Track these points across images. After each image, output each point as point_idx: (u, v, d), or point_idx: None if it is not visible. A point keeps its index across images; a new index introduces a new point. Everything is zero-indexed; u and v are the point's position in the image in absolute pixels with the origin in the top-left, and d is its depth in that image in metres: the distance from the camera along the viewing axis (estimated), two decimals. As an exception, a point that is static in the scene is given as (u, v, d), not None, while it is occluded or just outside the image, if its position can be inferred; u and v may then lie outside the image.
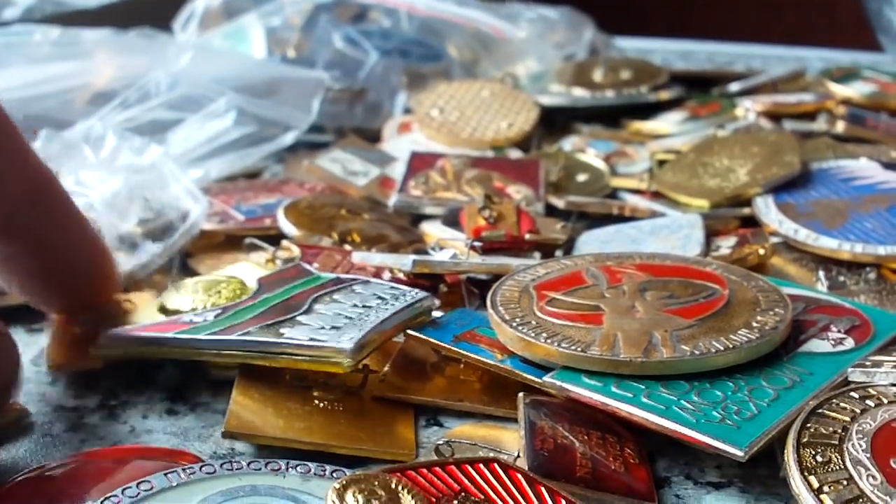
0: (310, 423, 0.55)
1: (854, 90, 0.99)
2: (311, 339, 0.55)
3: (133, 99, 0.87)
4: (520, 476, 0.46)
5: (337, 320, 0.57)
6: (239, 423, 0.54)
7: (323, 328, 0.56)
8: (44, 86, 0.90)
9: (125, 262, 0.70)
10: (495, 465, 0.46)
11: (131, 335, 0.60)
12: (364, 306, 0.58)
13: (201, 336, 0.57)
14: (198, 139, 0.86)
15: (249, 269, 0.68)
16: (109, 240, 0.70)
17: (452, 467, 0.45)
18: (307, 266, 0.66)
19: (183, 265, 0.73)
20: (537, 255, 0.70)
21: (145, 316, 0.64)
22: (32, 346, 0.66)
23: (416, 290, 0.60)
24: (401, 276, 0.67)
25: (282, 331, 0.56)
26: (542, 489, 0.46)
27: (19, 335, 0.67)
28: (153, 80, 0.89)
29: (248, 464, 0.48)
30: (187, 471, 0.47)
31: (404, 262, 0.66)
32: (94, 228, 0.62)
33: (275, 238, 0.74)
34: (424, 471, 0.45)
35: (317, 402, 0.57)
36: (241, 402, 0.56)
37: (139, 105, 0.87)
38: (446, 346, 0.58)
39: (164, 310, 0.63)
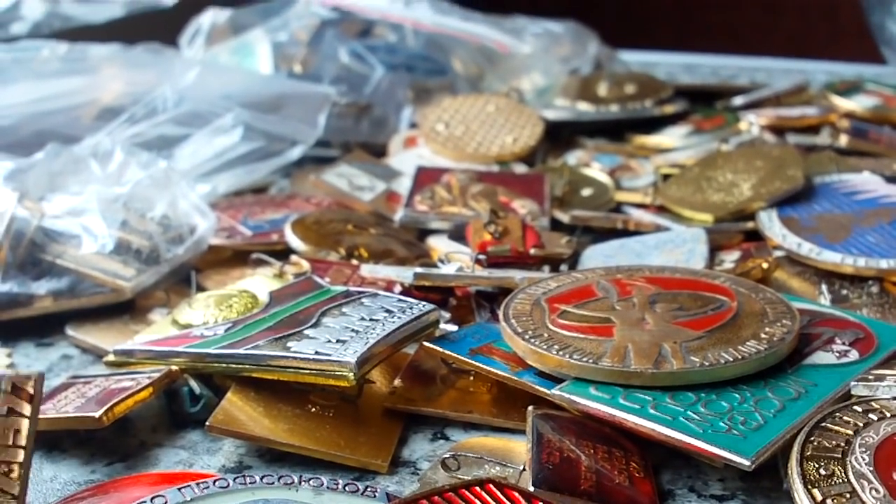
0: (295, 425, 0.56)
1: (857, 103, 1.00)
2: (317, 353, 0.55)
3: (140, 115, 0.87)
4: (517, 494, 0.46)
5: (343, 334, 0.57)
6: (224, 420, 0.55)
7: (329, 342, 0.56)
8: (51, 101, 0.90)
9: (132, 274, 0.71)
10: (491, 485, 0.46)
11: (143, 348, 0.60)
12: (371, 319, 0.59)
13: (210, 350, 0.58)
14: (205, 154, 0.86)
15: (261, 282, 0.68)
16: (116, 252, 0.71)
17: (450, 494, 0.45)
18: (318, 279, 0.66)
19: (187, 279, 0.74)
20: (546, 269, 0.71)
21: (159, 329, 0.65)
22: (42, 360, 0.66)
23: (424, 303, 0.61)
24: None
25: (289, 344, 0.57)
26: None
27: (28, 349, 0.68)
28: (160, 96, 0.89)
29: (262, 478, 0.49)
30: (201, 485, 0.48)
31: (406, 274, 0.67)
32: None
33: (282, 253, 0.74)
34: (424, 501, 0.45)
35: (310, 406, 0.58)
36: (234, 400, 0.57)
37: (146, 121, 0.87)
38: (460, 357, 0.59)
39: (176, 324, 0.64)
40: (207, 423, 0.54)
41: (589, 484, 0.50)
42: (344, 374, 0.55)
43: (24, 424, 0.48)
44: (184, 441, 0.58)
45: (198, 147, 0.86)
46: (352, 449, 0.55)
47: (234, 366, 0.57)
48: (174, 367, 0.59)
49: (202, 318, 0.64)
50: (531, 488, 0.48)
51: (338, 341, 0.56)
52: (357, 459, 0.55)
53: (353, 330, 0.58)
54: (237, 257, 0.76)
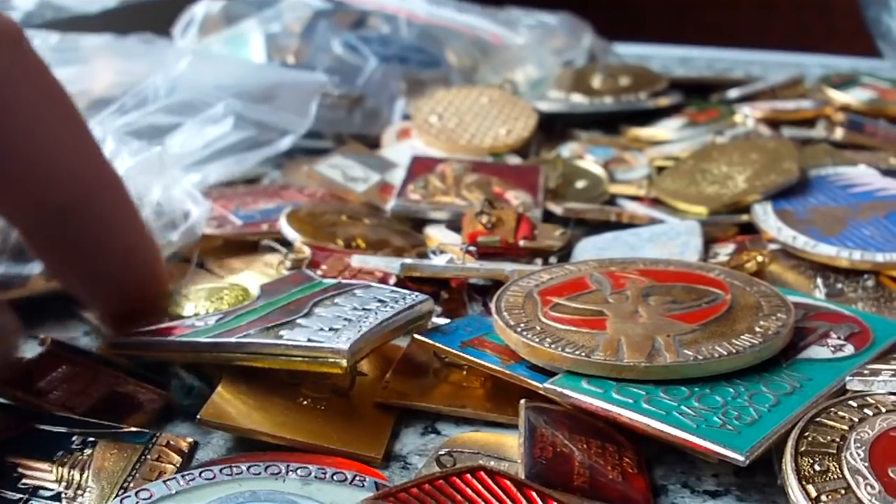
0: (286, 418, 0.55)
1: (853, 97, 0.99)
2: (309, 341, 0.55)
3: (131, 104, 0.87)
4: (508, 482, 0.46)
5: (336, 322, 0.57)
6: (215, 413, 0.54)
7: (321, 330, 0.56)
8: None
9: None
10: (482, 473, 0.46)
11: (133, 339, 0.60)
12: (363, 309, 0.58)
13: (201, 339, 0.57)
14: (195, 144, 0.85)
15: (252, 277, 0.68)
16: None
17: (441, 482, 0.45)
18: (309, 272, 0.66)
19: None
20: (539, 261, 0.70)
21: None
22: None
23: (416, 294, 0.60)
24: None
25: (281, 333, 0.56)
26: (533, 493, 0.45)
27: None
28: (151, 85, 0.88)
29: (248, 468, 0.48)
30: (186, 477, 0.47)
31: (394, 265, 0.67)
32: (149, 231, 0.62)
33: (279, 243, 0.74)
34: (415, 489, 0.44)
35: (302, 399, 0.57)
36: (224, 393, 0.56)
37: (137, 110, 0.87)
38: (450, 350, 0.58)
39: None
40: (198, 416, 0.54)
41: (582, 479, 0.49)
42: (337, 361, 0.54)
43: None
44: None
45: (188, 136, 0.85)
46: (344, 442, 0.55)
47: (224, 354, 0.57)
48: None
49: (193, 310, 0.63)
50: (523, 483, 0.48)
51: (330, 329, 0.56)
52: (350, 452, 0.54)
53: (345, 319, 0.57)
54: (227, 247, 0.76)
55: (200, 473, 0.47)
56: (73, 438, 0.51)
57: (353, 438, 0.55)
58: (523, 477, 0.48)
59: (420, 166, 0.84)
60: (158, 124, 0.86)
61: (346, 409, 0.57)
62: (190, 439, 0.53)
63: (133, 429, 0.53)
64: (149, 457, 0.51)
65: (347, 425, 0.56)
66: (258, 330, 0.57)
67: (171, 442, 0.52)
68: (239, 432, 0.55)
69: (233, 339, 0.56)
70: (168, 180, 0.75)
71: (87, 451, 0.50)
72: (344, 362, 0.54)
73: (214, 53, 1.07)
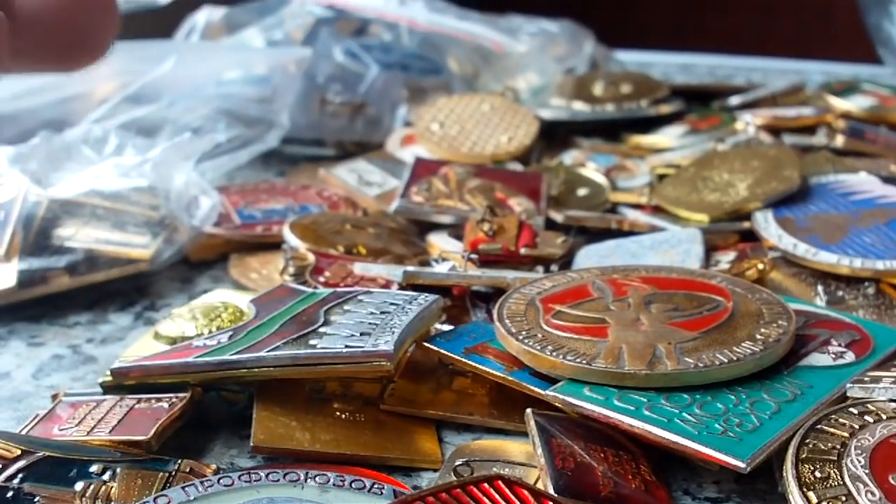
0: (335, 434, 0.55)
1: (853, 104, 0.99)
2: (347, 347, 0.55)
3: (126, 104, 0.87)
4: (526, 492, 0.46)
5: (362, 327, 0.57)
6: (267, 437, 0.54)
7: (352, 335, 0.56)
8: (45, 95, 0.90)
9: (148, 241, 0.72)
10: (500, 482, 0.46)
11: (149, 364, 0.58)
12: (383, 312, 0.58)
13: (227, 356, 0.56)
14: (189, 146, 0.86)
15: (231, 294, 0.68)
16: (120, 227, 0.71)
17: (458, 490, 0.45)
18: (295, 286, 0.66)
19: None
20: (540, 269, 0.70)
21: (141, 343, 0.64)
22: (33, 360, 0.66)
23: (425, 294, 0.61)
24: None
25: (311, 342, 0.56)
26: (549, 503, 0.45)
27: (20, 348, 0.67)
28: (145, 85, 0.89)
29: (267, 475, 0.48)
30: (205, 483, 0.47)
31: (396, 273, 0.67)
32: None
33: (274, 245, 0.76)
34: (431, 498, 0.44)
35: (338, 413, 0.57)
36: (264, 416, 0.56)
37: (132, 110, 0.87)
38: (454, 356, 0.58)
39: (160, 337, 0.63)
40: (253, 444, 0.54)
41: (608, 490, 0.49)
42: (381, 363, 0.55)
43: None
44: (173, 442, 0.57)
45: (182, 138, 0.85)
46: (401, 449, 0.55)
47: (256, 370, 0.56)
48: (197, 389, 0.57)
49: (195, 330, 0.63)
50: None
51: (362, 334, 0.56)
52: (410, 459, 0.54)
53: (370, 323, 0.57)
54: (249, 246, 0.78)
55: (219, 480, 0.47)
56: (92, 467, 0.50)
57: (407, 445, 0.55)
58: (551, 490, 0.48)
59: (423, 168, 0.84)
60: (152, 124, 0.86)
61: (382, 418, 0.57)
62: (213, 465, 0.52)
63: (153, 456, 0.52)
64: (174, 485, 0.49)
65: (396, 433, 0.56)
66: (285, 342, 0.56)
67: (195, 469, 0.51)
68: (296, 455, 0.54)
69: (264, 353, 0.56)
70: (179, 171, 0.75)
71: (110, 483, 0.49)
72: (390, 364, 0.55)
73: (200, 45, 1.08)
